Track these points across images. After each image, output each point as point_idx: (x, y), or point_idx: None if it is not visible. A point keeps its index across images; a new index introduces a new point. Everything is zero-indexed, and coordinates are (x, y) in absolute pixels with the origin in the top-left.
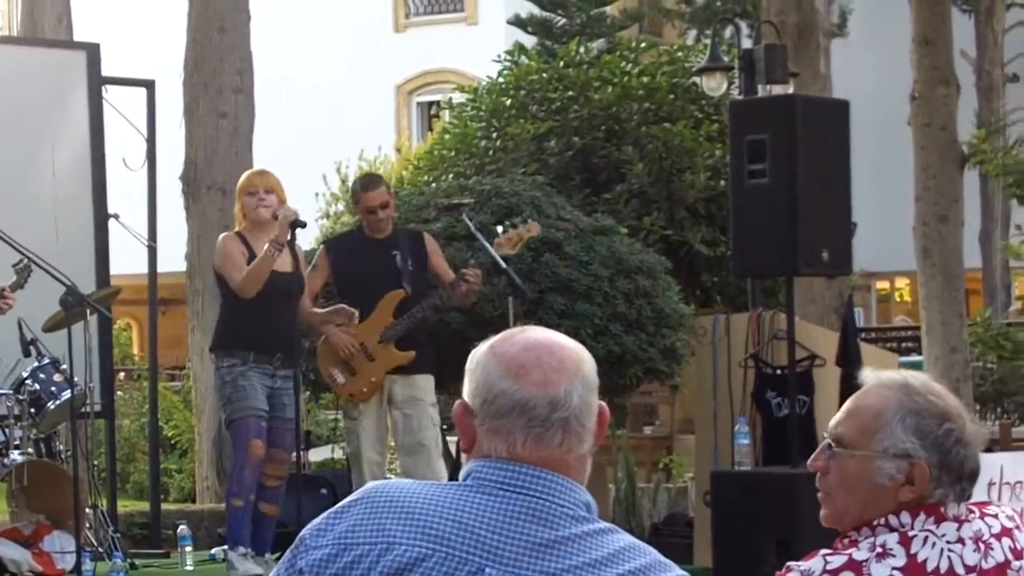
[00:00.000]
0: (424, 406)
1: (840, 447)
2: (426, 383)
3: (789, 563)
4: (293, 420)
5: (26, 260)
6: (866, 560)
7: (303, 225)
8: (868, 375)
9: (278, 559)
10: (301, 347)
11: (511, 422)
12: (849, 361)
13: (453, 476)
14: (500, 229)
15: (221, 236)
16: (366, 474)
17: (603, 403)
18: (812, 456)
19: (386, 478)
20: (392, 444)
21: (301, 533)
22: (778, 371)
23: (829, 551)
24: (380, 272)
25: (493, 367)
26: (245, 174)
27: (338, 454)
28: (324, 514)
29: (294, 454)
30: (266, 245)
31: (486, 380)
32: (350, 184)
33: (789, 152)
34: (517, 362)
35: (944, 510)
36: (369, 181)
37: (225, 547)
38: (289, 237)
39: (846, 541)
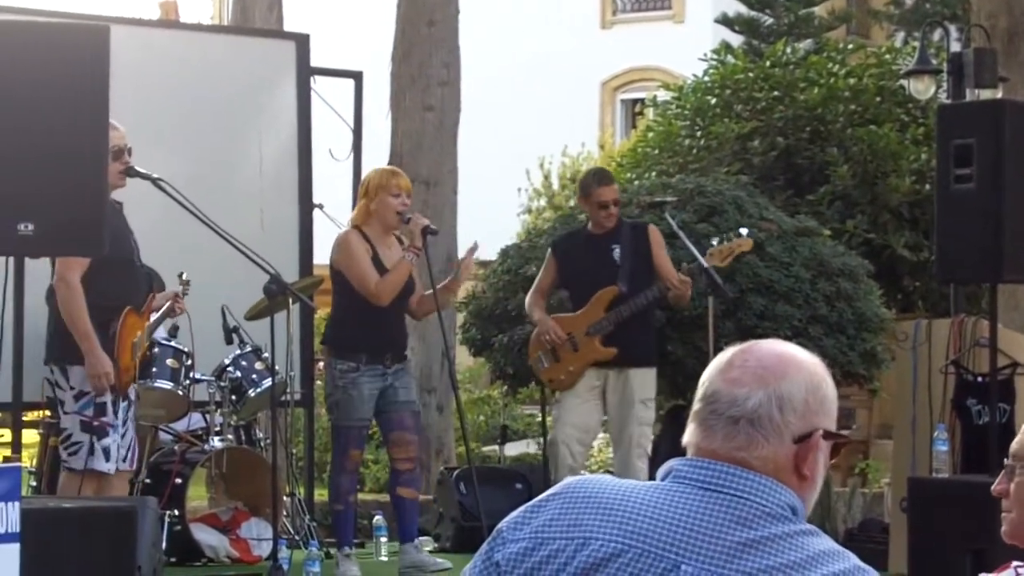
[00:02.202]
0: (632, 403)
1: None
2: (639, 379)
3: (981, 574)
4: (412, 402)
5: (186, 275)
6: None
7: (435, 232)
8: None
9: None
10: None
11: (701, 412)
12: None
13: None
14: (715, 241)
15: (343, 232)
16: (559, 457)
17: (817, 432)
18: (995, 482)
19: (583, 469)
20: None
21: (498, 526)
22: (979, 378)
23: (1022, 563)
24: (597, 265)
25: (715, 361)
26: (381, 172)
27: (533, 449)
28: (522, 508)
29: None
30: (403, 253)
31: (707, 372)
32: (553, 180)
33: (996, 157)
34: (727, 358)
35: None
36: (604, 176)
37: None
38: (420, 244)
39: None
